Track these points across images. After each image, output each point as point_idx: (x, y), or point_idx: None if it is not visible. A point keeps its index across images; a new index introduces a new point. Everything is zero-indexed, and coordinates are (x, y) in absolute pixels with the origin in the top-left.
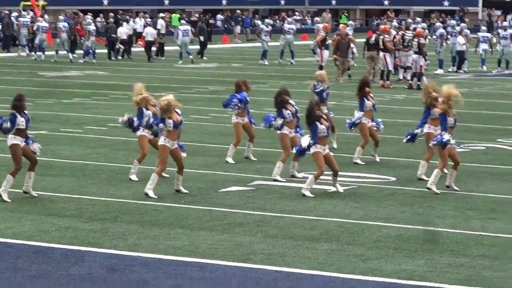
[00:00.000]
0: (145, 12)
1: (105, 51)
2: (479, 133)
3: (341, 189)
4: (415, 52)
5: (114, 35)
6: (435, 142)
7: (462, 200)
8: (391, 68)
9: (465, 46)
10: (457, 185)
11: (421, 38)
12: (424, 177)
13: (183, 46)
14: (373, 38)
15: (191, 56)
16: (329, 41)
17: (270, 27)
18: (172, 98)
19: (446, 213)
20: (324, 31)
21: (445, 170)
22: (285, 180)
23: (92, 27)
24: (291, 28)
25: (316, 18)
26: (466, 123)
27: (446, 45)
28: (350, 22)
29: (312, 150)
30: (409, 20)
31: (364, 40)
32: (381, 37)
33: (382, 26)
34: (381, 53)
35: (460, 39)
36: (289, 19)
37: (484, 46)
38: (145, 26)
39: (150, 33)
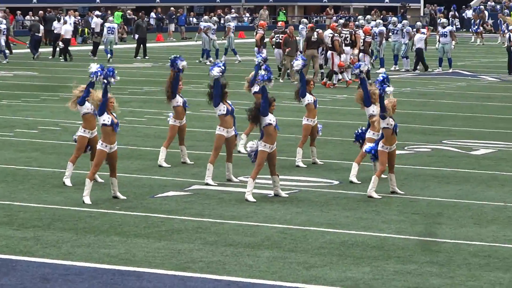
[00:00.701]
0: (76, 10)
1: (41, 50)
2: (423, 134)
3: (283, 193)
4: (360, 51)
5: (38, 34)
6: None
7: (407, 204)
8: (336, 68)
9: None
10: (402, 189)
11: (367, 36)
12: (355, 180)
13: (107, 43)
14: (315, 36)
15: (109, 55)
16: (267, 39)
17: (216, 25)
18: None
19: (391, 218)
20: (261, 29)
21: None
22: (216, 184)
23: (3, 26)
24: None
25: (227, 16)
26: (410, 124)
27: (387, 43)
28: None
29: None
30: (368, 17)
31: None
32: (333, 35)
33: (331, 24)
34: (329, 52)
35: (419, 36)
36: (228, 17)
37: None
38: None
39: (67, 30)
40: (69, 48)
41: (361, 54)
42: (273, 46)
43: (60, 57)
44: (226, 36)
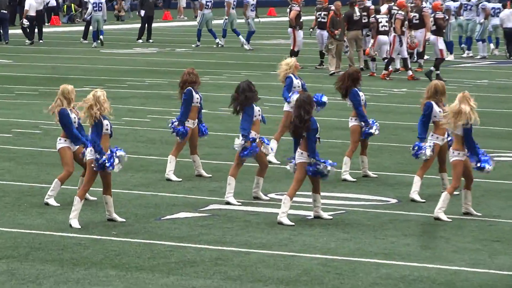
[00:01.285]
0: None
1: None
2: (505, 139)
3: (325, 215)
4: (433, 32)
5: (4, 11)
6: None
7: (485, 229)
8: (394, 54)
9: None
10: (478, 209)
11: (438, 13)
12: (417, 198)
13: (94, 23)
14: (357, 13)
15: (102, 37)
16: (305, 18)
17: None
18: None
19: (465, 247)
20: (297, 5)
21: (455, 192)
22: (240, 203)
23: None
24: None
25: None
26: (488, 126)
27: (457, 22)
28: None
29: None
30: None
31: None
32: (395, 13)
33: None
34: (392, 35)
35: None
36: None
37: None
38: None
39: (32, 6)
40: (43, 29)
41: (432, 37)
42: (314, 28)
43: (26, 41)
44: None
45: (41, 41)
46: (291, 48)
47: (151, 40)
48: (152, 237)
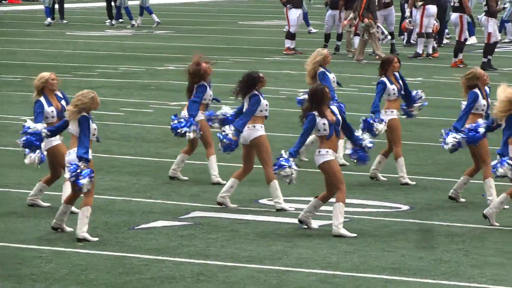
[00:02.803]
0: None
1: None
2: None
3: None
4: (454, 9)
5: None
6: None
7: (510, 240)
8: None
9: None
10: (502, 218)
11: None
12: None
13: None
14: None
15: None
16: None
17: None
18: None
19: (487, 260)
20: None
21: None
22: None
23: None
24: None
25: None
26: None
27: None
28: None
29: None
30: None
31: None
32: None
33: None
34: (457, 15)
35: None
36: None
37: None
38: None
39: None
40: None
41: (483, 17)
42: (326, 6)
43: None
44: None
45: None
46: (287, 29)
47: (121, 20)
48: (125, 249)
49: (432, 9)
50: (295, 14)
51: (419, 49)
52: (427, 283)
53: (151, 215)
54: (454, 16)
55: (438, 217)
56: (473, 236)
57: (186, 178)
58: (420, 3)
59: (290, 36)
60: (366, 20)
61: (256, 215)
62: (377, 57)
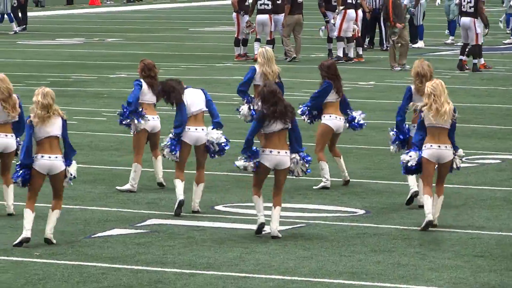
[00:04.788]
0: None
1: None
2: (489, 138)
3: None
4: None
5: None
6: None
7: (467, 243)
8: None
9: None
10: (458, 220)
11: None
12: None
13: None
14: None
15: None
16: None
17: None
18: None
19: (443, 263)
20: None
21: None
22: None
23: None
24: None
25: None
26: (470, 123)
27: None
28: None
29: None
30: None
31: None
32: None
33: None
34: (472, 19)
35: None
36: None
37: None
38: None
39: None
40: None
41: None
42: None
43: None
44: None
45: None
46: (235, 35)
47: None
48: (82, 258)
49: (352, 14)
50: (245, 21)
51: (340, 53)
52: (385, 287)
53: (107, 223)
54: (467, 20)
55: (394, 221)
56: (430, 239)
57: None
58: (341, 8)
59: (238, 42)
60: (398, 25)
61: (212, 221)
62: (402, 66)
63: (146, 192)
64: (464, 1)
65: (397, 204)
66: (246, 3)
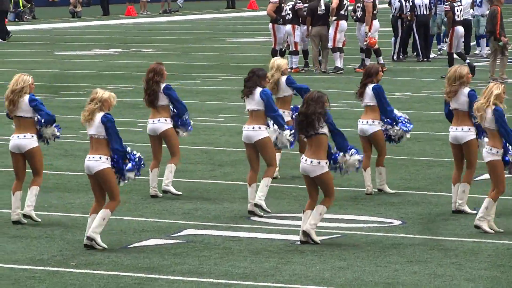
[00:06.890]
0: None
1: None
2: None
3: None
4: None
5: None
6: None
7: (504, 253)
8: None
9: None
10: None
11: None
12: (466, 209)
13: None
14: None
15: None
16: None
17: None
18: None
19: (480, 274)
20: None
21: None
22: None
23: None
24: None
25: None
26: None
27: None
28: None
29: None
30: None
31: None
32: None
33: None
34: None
35: None
36: None
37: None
38: None
39: None
40: None
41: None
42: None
43: None
44: None
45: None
46: (272, 46)
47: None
48: (118, 268)
49: (344, 24)
50: (282, 31)
51: (338, 63)
52: None
53: (143, 234)
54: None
55: (430, 231)
56: (466, 249)
57: (179, 192)
58: (333, 19)
59: (275, 53)
60: (504, 39)
61: (248, 232)
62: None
63: (182, 202)
64: None
65: (433, 215)
66: (283, 13)
